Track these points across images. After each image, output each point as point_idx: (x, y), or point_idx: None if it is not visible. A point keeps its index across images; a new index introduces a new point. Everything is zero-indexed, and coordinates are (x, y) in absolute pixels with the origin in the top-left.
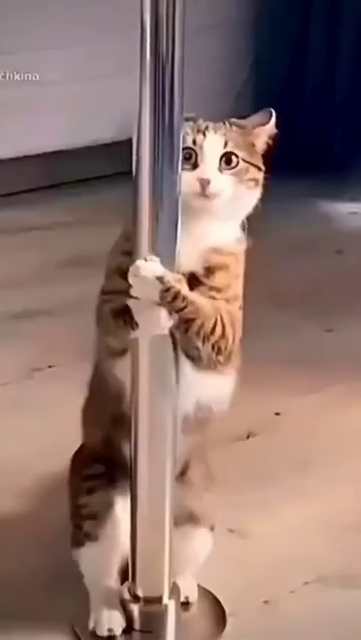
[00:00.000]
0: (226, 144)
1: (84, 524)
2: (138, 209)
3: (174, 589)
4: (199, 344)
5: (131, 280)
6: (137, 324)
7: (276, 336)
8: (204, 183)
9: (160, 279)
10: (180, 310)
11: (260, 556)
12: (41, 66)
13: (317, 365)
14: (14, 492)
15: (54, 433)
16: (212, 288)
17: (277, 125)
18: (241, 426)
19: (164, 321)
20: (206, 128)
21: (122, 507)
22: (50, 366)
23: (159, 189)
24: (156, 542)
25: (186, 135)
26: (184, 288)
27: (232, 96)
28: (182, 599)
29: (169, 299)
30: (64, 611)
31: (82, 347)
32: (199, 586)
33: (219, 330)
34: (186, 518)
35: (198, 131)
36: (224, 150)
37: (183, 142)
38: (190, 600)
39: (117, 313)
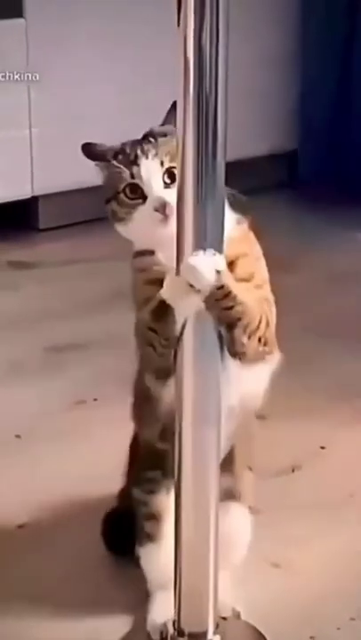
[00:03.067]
0: (162, 163)
1: (146, 524)
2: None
3: (219, 625)
4: (245, 340)
5: (183, 272)
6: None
7: (321, 368)
8: (161, 208)
9: (218, 274)
10: (226, 309)
11: (305, 590)
12: (92, 103)
13: None
14: (58, 521)
15: (97, 465)
16: (239, 280)
17: (322, 157)
18: (286, 459)
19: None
20: (137, 156)
21: None
22: (95, 399)
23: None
24: (201, 577)
25: (121, 173)
26: (234, 286)
27: (277, 129)
28: (228, 614)
29: (219, 297)
30: None
31: (128, 379)
32: (245, 622)
33: (263, 324)
34: (225, 494)
35: (131, 163)
36: (163, 169)
37: (121, 180)
38: (240, 611)
39: (156, 312)
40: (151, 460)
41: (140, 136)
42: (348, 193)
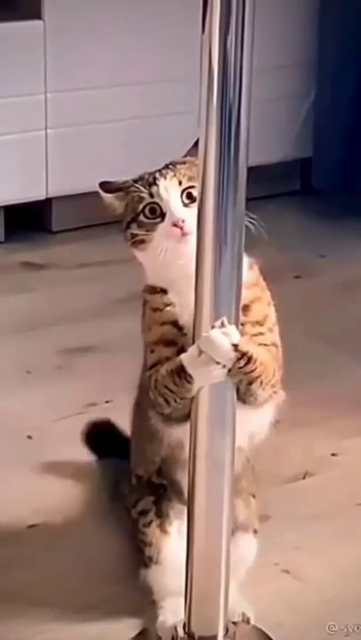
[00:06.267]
0: (180, 183)
1: (145, 549)
2: (201, 260)
3: (229, 629)
4: (259, 392)
5: (203, 347)
6: (191, 377)
7: (332, 376)
8: (180, 224)
9: (235, 346)
10: (248, 372)
11: (315, 596)
12: (108, 106)
13: None
14: (69, 523)
15: None
16: (253, 323)
17: (336, 165)
18: (297, 466)
19: (220, 375)
20: (155, 178)
21: (178, 528)
22: (107, 401)
23: (223, 237)
24: (212, 581)
25: (140, 194)
26: (252, 349)
27: (291, 136)
28: (239, 618)
29: (242, 364)
30: None
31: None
32: (255, 627)
33: (276, 374)
34: (234, 526)
35: (150, 184)
36: (181, 188)
37: (140, 201)
38: (250, 616)
39: (174, 373)
40: (142, 490)
41: (155, 140)
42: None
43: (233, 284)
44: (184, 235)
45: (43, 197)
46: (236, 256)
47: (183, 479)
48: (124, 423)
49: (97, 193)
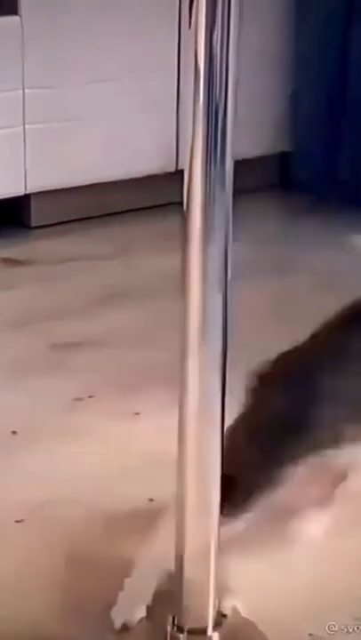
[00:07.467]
0: None
1: None
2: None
3: (219, 621)
4: None
5: None
6: None
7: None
8: None
9: None
10: None
11: (307, 588)
12: (86, 102)
13: None
14: (55, 517)
15: (93, 462)
16: None
17: (315, 159)
18: None
19: None
20: None
21: None
22: (90, 396)
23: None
24: (202, 573)
25: None
26: None
27: (269, 130)
28: (227, 611)
29: None
30: None
31: (123, 377)
32: (245, 619)
33: None
34: None
35: None
36: None
37: None
38: (239, 608)
39: None
40: None
41: (135, 136)
42: (340, 195)
43: (222, 282)
44: None
45: (21, 193)
46: (223, 254)
47: None
48: (109, 417)
49: (76, 188)
